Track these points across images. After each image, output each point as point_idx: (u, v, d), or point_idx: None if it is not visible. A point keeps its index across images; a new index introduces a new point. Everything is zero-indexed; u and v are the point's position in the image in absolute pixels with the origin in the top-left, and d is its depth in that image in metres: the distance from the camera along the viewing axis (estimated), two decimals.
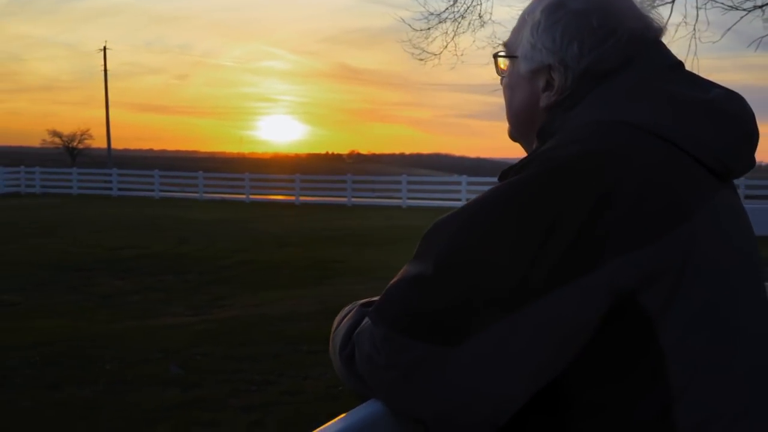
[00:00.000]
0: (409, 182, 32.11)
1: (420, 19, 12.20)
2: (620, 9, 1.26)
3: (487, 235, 1.07)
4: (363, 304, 1.26)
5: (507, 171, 1.17)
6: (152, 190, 35.92)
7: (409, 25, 12.25)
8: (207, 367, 7.01)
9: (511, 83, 1.38)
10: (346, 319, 1.24)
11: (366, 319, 1.14)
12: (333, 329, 1.28)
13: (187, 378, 6.65)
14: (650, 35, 1.26)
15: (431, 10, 12.14)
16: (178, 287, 11.74)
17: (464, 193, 30.25)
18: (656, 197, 1.07)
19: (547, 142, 1.19)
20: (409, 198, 31.39)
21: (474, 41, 12.40)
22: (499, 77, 1.43)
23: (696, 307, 1.07)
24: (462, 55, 12.27)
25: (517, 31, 1.36)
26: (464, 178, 31.39)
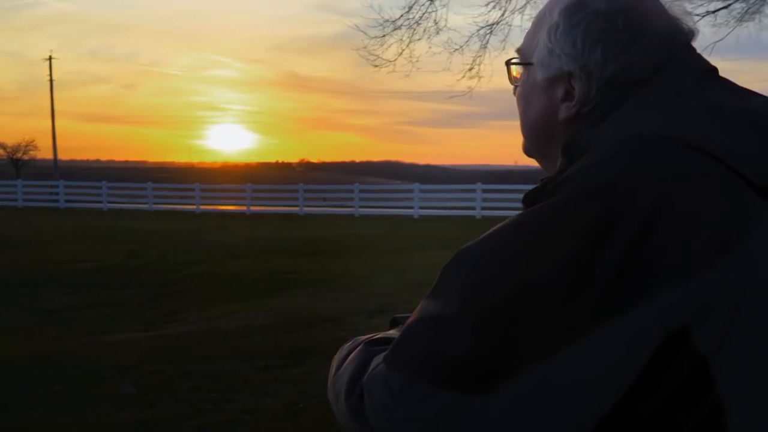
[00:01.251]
0: (361, 191, 32.04)
1: (375, 27, 12.08)
2: (648, 10, 1.12)
3: (520, 266, 0.94)
4: (367, 342, 1.11)
5: (534, 193, 1.03)
6: (100, 202, 35.24)
7: (364, 32, 12.13)
8: (161, 385, 6.76)
9: (525, 93, 1.23)
10: (348, 361, 1.09)
11: (376, 362, 1.00)
12: (332, 373, 1.13)
13: (141, 397, 6.40)
14: (681, 38, 1.13)
15: (386, 17, 12.02)
16: (129, 302, 11.42)
17: (417, 200, 30.29)
18: (708, 218, 0.93)
19: (577, 160, 1.04)
20: (361, 207, 31.29)
21: (429, 48, 12.25)
22: (512, 86, 1.29)
23: (758, 341, 0.93)
24: (417, 61, 12.16)
25: (532, 35, 1.21)
26: (417, 186, 31.43)
